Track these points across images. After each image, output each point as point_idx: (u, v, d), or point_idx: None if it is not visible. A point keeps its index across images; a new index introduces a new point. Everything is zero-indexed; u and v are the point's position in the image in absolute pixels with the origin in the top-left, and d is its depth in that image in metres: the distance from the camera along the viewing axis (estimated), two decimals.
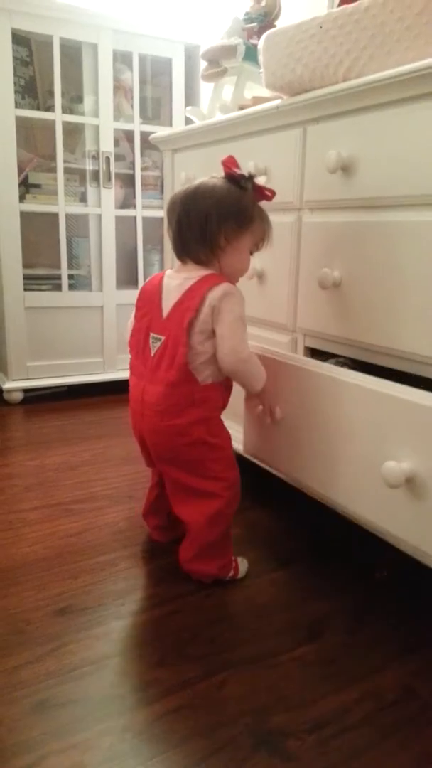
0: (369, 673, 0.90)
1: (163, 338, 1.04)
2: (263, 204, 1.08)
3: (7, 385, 2.22)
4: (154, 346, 1.05)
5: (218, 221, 1.02)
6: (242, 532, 1.31)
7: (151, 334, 1.06)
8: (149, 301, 1.09)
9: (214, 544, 1.10)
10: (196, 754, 0.76)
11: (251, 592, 1.10)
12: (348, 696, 0.85)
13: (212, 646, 0.96)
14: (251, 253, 1.11)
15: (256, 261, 1.34)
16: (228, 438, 1.11)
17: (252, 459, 1.28)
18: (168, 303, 1.05)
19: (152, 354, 1.06)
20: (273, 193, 1.08)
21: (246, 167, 1.30)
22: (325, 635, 0.98)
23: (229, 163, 1.06)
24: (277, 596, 1.09)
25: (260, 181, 1.09)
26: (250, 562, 1.19)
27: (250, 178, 1.05)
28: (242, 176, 1.04)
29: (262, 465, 1.26)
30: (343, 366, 1.14)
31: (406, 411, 0.87)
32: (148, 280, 1.14)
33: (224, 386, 1.10)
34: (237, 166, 1.06)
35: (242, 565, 1.16)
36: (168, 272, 1.10)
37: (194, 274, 1.04)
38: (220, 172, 1.07)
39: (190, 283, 1.03)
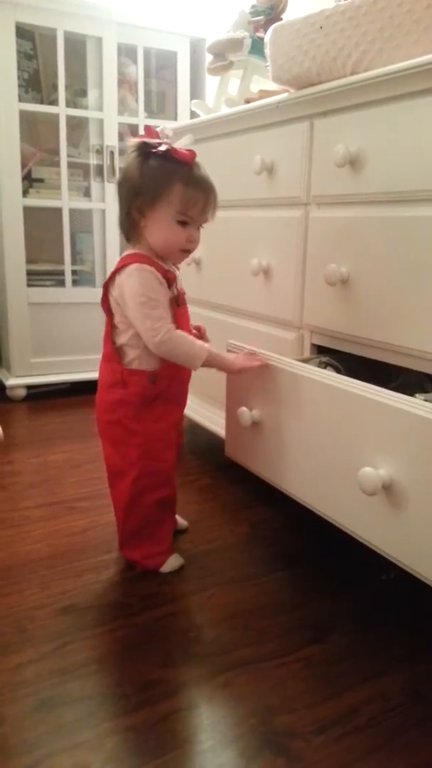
0: (376, 675, 0.89)
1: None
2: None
3: (10, 382, 2.21)
4: None
5: (125, 197, 1.01)
6: (248, 530, 1.31)
7: None
8: None
9: (135, 532, 1.12)
10: (200, 755, 0.75)
11: (256, 592, 1.09)
12: (354, 697, 0.85)
13: (217, 645, 0.95)
14: (186, 224, 1.02)
15: (262, 256, 1.33)
16: (156, 431, 1.07)
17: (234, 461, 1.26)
18: None
19: None
20: (186, 152, 0.99)
21: (252, 161, 1.29)
22: (331, 636, 0.97)
23: (144, 133, 1.03)
24: (283, 596, 1.08)
25: (183, 142, 1.02)
26: (256, 561, 1.19)
27: (140, 146, 0.99)
28: (133, 146, 1.00)
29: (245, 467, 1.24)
30: (327, 367, 1.13)
31: (383, 414, 0.84)
32: None
33: (153, 377, 1.05)
34: (152, 135, 1.02)
35: (172, 561, 1.14)
36: None
37: (125, 253, 1.06)
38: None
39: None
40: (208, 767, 0.74)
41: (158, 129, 1.03)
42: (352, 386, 0.91)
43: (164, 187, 0.98)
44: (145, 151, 0.99)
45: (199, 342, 1.02)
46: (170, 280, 1.04)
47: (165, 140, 1.01)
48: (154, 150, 0.98)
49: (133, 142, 1.00)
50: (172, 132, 1.04)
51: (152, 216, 1.00)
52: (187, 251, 1.06)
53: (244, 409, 1.10)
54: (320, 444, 0.96)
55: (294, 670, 0.90)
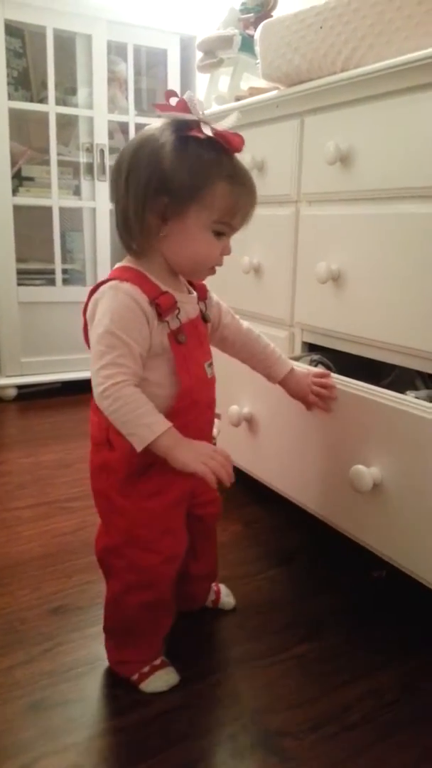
0: (369, 671, 0.89)
1: None
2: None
3: (1, 382, 2.20)
4: None
5: (137, 195, 0.71)
6: (241, 529, 1.30)
7: None
8: None
9: (112, 630, 0.88)
10: (192, 755, 0.75)
11: (250, 590, 1.08)
12: (348, 694, 0.84)
13: (210, 644, 0.95)
14: (220, 234, 0.76)
15: (253, 254, 1.32)
16: (146, 511, 0.80)
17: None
18: None
19: None
20: (236, 137, 0.72)
21: (242, 159, 1.28)
22: (325, 633, 0.97)
23: (165, 99, 0.73)
24: (277, 594, 1.08)
25: (227, 122, 0.74)
26: (250, 559, 1.18)
27: (178, 126, 0.71)
28: (172, 122, 0.72)
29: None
30: (318, 365, 1.13)
31: (375, 412, 0.84)
32: None
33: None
34: (183, 108, 0.71)
35: (158, 678, 0.85)
36: None
37: (116, 266, 0.80)
38: None
39: None
40: None
41: (187, 98, 0.72)
42: (345, 384, 0.90)
43: (204, 185, 0.71)
44: (182, 134, 0.70)
45: (154, 419, 0.72)
46: (165, 306, 0.75)
47: (202, 117, 0.72)
48: (193, 133, 0.70)
49: (165, 116, 0.72)
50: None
51: (179, 223, 0.73)
52: (215, 267, 0.81)
53: (234, 407, 1.10)
54: (312, 442, 0.96)
55: (287, 668, 0.89)
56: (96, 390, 0.72)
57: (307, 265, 1.18)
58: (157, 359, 0.76)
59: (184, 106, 0.71)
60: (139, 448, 0.72)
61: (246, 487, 1.47)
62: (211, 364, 0.84)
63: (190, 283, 0.85)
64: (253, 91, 1.45)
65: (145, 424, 0.71)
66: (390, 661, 0.91)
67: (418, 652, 0.93)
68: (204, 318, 0.84)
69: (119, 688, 0.85)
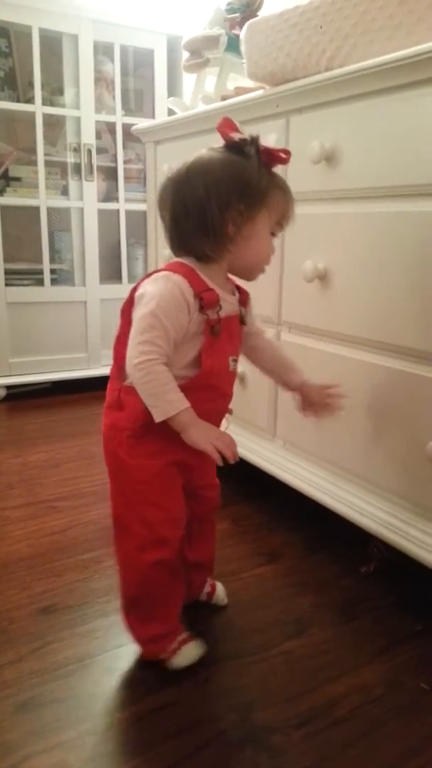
0: (356, 666, 0.89)
1: None
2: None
3: None
4: None
5: (220, 205, 0.80)
6: (230, 526, 1.30)
7: None
8: None
9: (134, 602, 0.90)
10: (181, 752, 0.75)
11: (238, 587, 1.09)
12: (335, 690, 0.85)
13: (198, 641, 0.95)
14: (274, 235, 0.88)
15: None
16: (150, 468, 0.85)
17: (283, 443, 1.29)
18: None
19: None
20: (288, 153, 0.84)
21: None
22: (312, 629, 0.98)
23: (226, 127, 0.83)
24: (264, 591, 1.08)
25: (270, 141, 0.86)
26: (237, 556, 1.18)
27: (253, 141, 0.82)
28: (243, 140, 0.82)
29: (292, 449, 1.26)
30: None
31: None
32: None
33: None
34: (236, 129, 0.83)
35: (185, 653, 0.89)
36: None
37: (171, 261, 0.89)
38: None
39: None
40: (189, 764, 0.74)
41: (237, 124, 0.84)
42: (414, 368, 0.96)
43: (266, 193, 0.82)
44: (256, 148, 0.82)
45: (177, 397, 0.80)
46: (208, 301, 0.83)
47: (253, 136, 0.84)
48: (273, 150, 0.83)
49: (234, 136, 0.83)
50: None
51: (249, 228, 0.83)
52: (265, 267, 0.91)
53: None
54: (384, 423, 1.01)
55: (275, 665, 0.90)
56: (131, 361, 0.80)
57: (293, 264, 1.18)
58: (186, 344, 0.83)
59: (236, 129, 0.83)
60: (158, 419, 0.80)
61: (234, 485, 1.48)
62: (235, 360, 0.91)
63: (237, 288, 0.92)
64: (240, 90, 1.45)
65: (169, 400, 0.80)
66: (377, 656, 0.92)
67: (404, 647, 0.94)
68: (241, 320, 0.92)
69: (108, 685, 0.85)
